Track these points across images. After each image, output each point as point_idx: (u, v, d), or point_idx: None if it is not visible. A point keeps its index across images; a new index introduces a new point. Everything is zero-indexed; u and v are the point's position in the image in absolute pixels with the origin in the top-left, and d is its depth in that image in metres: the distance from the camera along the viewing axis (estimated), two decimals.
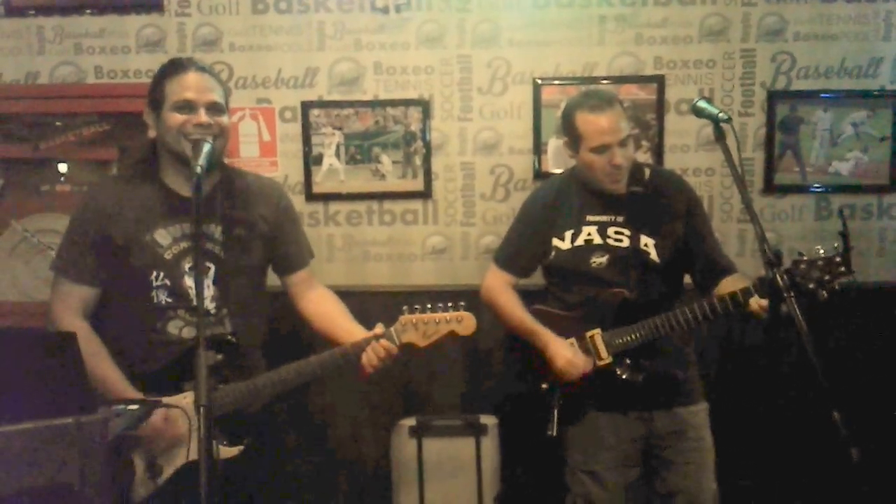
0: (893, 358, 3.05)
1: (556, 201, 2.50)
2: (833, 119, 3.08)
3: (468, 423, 3.03)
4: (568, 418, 2.41)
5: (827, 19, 3.05)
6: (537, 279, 2.62)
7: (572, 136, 2.40)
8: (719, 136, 2.10)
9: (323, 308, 2.31)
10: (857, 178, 3.11)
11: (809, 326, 1.80)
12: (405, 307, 2.13)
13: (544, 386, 2.42)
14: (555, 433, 2.35)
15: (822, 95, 3.07)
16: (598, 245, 2.40)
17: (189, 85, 2.04)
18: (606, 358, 2.35)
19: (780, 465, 3.02)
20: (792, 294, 1.87)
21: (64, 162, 3.06)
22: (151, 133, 2.11)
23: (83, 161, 3.05)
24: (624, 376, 2.34)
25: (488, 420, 3.05)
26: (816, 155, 3.10)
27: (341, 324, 2.24)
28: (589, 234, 2.42)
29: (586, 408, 2.43)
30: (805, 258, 2.08)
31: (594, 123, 2.31)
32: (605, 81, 3.06)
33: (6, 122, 3.04)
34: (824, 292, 2.04)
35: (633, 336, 2.33)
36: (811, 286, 2.04)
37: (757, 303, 2.14)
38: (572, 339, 2.40)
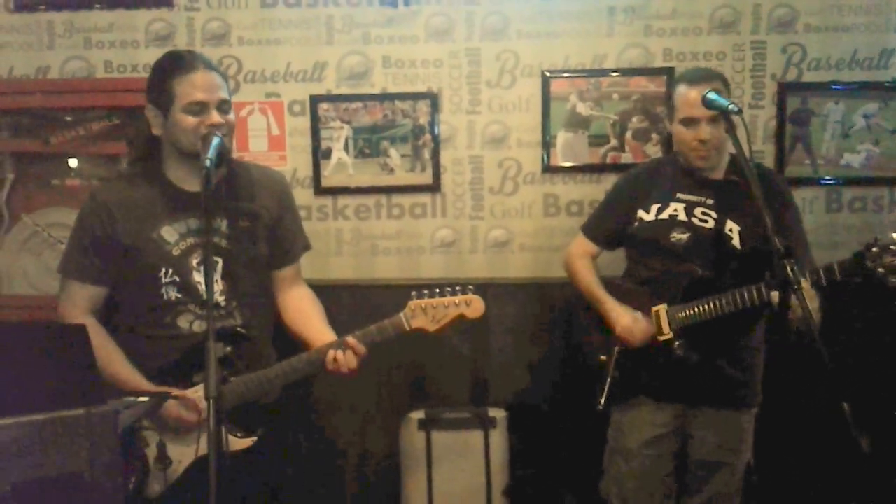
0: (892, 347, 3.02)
1: (649, 177, 2.53)
2: (844, 111, 3.05)
3: (477, 416, 3.03)
4: (616, 397, 2.43)
5: (838, 10, 3.02)
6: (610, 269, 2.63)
7: (670, 105, 2.47)
8: (730, 128, 2.09)
9: (302, 306, 2.30)
10: (868, 171, 3.08)
11: (873, 314, 1.76)
12: (413, 293, 2.14)
13: (602, 357, 2.45)
14: (602, 405, 2.40)
15: (834, 87, 3.04)
16: (682, 222, 2.40)
17: (199, 85, 2.00)
18: (668, 333, 2.35)
19: (790, 460, 3.01)
20: (799, 286, 1.86)
21: (74, 156, 3.08)
22: (156, 131, 2.07)
23: (93, 155, 3.07)
24: (679, 353, 2.34)
25: (497, 413, 3.05)
26: (827, 147, 3.08)
27: (316, 326, 2.23)
28: (675, 210, 2.42)
29: (636, 390, 2.44)
30: (878, 242, 2.05)
31: (686, 95, 2.34)
32: (614, 74, 3.04)
33: (16, 117, 3.06)
34: (894, 279, 2.02)
35: (696, 311, 2.31)
36: (881, 271, 2.02)
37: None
38: (638, 314, 2.42)
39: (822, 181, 3.10)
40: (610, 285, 2.53)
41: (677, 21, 3.04)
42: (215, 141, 1.92)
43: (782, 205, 2.41)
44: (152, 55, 3.00)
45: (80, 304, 2.11)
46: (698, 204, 2.41)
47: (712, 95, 2.16)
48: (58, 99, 3.03)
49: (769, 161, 3.07)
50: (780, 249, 1.89)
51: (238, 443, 2.03)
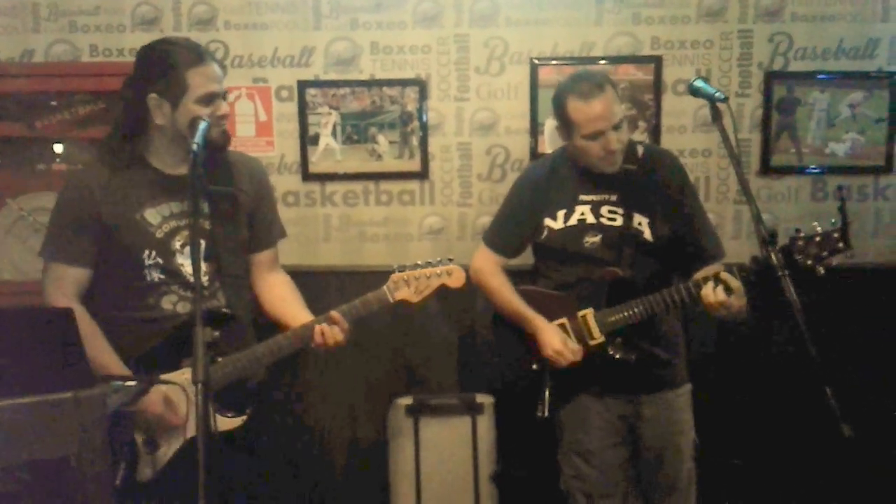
0: (889, 338, 3.07)
1: (547, 181, 2.48)
2: (830, 100, 3.08)
3: (464, 402, 3.04)
4: (558, 400, 2.41)
5: (825, 0, 3.04)
6: (525, 259, 2.62)
7: (564, 122, 2.36)
8: (716, 116, 2.11)
9: (279, 291, 2.33)
10: (853, 160, 3.11)
11: (805, 305, 1.81)
12: (395, 266, 2.17)
13: (534, 367, 2.43)
14: (546, 414, 2.35)
15: (820, 76, 3.06)
16: (591, 224, 2.39)
17: (212, 77, 2.06)
18: (599, 337, 2.35)
19: (772, 443, 3.05)
20: (787, 273, 1.88)
21: (59, 141, 3.05)
22: (160, 120, 2.06)
23: (79, 140, 3.04)
24: (617, 356, 2.34)
25: (484, 399, 3.06)
26: (813, 136, 3.10)
27: (293, 310, 2.25)
28: (582, 214, 2.41)
29: (576, 389, 2.44)
30: (802, 234, 2.08)
31: (586, 111, 2.27)
32: (602, 62, 3.05)
33: (1, 101, 3.02)
34: (821, 268, 2.04)
35: (626, 314, 2.32)
36: (809, 262, 2.05)
37: (711, 295, 2.13)
38: (563, 320, 2.40)
39: (808, 170, 3.12)
40: (528, 294, 2.47)
41: (665, 9, 3.04)
42: (202, 126, 1.94)
43: (681, 187, 2.43)
44: (138, 39, 3.00)
45: (66, 288, 2.10)
46: (602, 203, 2.40)
47: (699, 83, 2.17)
48: (43, 83, 3.00)
49: (755, 150, 3.10)
50: (764, 237, 1.91)
51: (227, 423, 2.04)
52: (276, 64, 3.07)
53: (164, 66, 2.04)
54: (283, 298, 2.30)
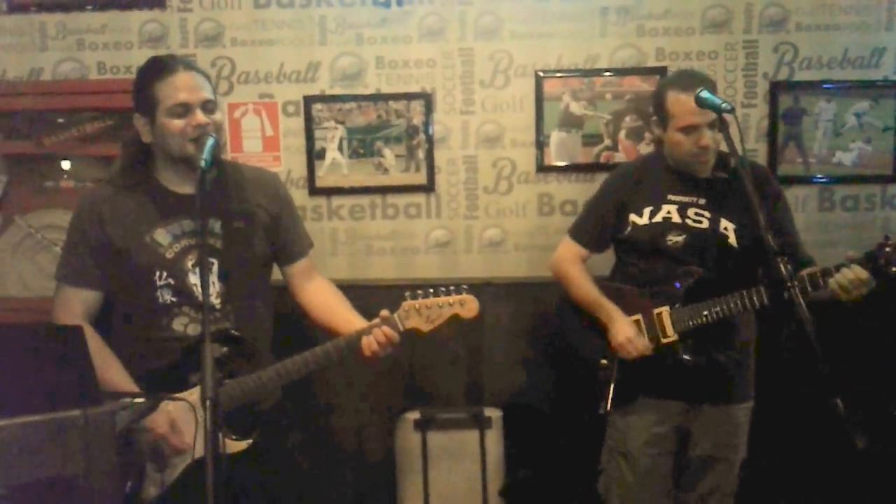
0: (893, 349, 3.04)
1: (637, 178, 2.50)
2: (836, 109, 3.07)
3: (472, 416, 3.03)
4: (616, 398, 2.40)
5: (829, 10, 3.04)
6: (601, 270, 2.62)
7: (661, 114, 2.39)
8: (722, 127, 2.10)
9: (323, 298, 2.29)
10: (860, 169, 3.10)
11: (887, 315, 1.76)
12: (407, 293, 2.12)
13: (603, 361, 2.43)
14: (608, 409, 2.36)
15: (825, 86, 3.06)
16: (676, 224, 2.39)
17: (181, 86, 1.99)
18: (672, 336, 2.34)
19: (783, 456, 3.02)
20: (795, 283, 1.87)
21: (67, 158, 3.07)
22: (147, 139, 2.05)
23: (86, 157, 3.06)
24: (686, 356, 2.33)
25: (492, 413, 3.05)
26: (819, 146, 3.10)
27: (342, 314, 2.22)
28: (668, 213, 2.41)
29: (636, 390, 2.43)
30: (890, 241, 2.04)
31: (685, 103, 2.28)
32: (607, 73, 3.05)
33: (9, 119, 3.05)
34: None
35: (702, 315, 2.31)
36: (894, 269, 2.01)
37: (837, 282, 2.07)
38: (638, 316, 2.40)
39: (815, 179, 3.11)
40: (605, 288, 2.50)
41: (670, 21, 3.05)
42: (210, 142, 1.92)
43: (774, 200, 2.42)
44: (145, 56, 2.97)
45: (75, 309, 2.09)
46: (690, 205, 2.41)
47: (705, 94, 2.17)
48: (51, 101, 3.02)
49: (761, 160, 3.09)
50: (773, 248, 1.90)
51: (234, 445, 2.03)
52: (283, 79, 3.09)
53: (139, 83, 2.04)
54: (329, 305, 2.27)
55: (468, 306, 2.13)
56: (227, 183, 2.14)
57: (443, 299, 2.11)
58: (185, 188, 2.08)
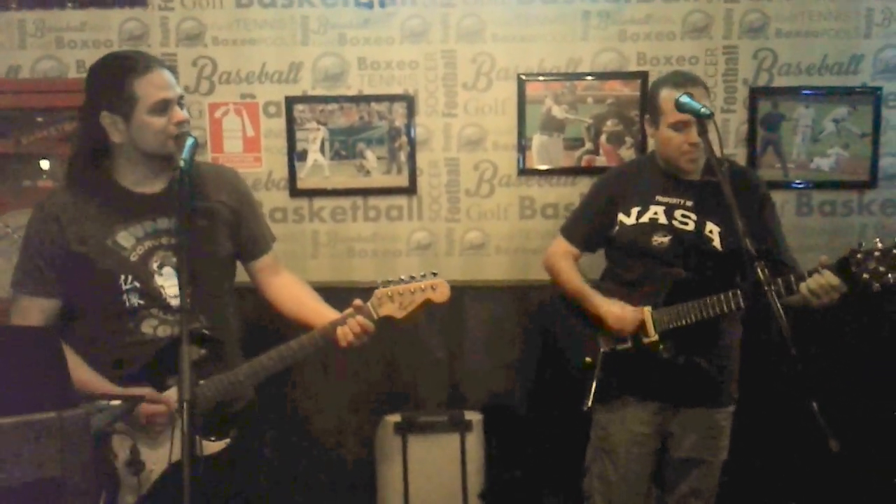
0: (870, 354, 3.07)
1: (628, 179, 2.53)
2: (814, 115, 3.10)
3: (453, 420, 3.03)
4: (601, 397, 2.43)
5: (808, 16, 3.07)
6: (593, 273, 2.64)
7: (654, 111, 2.42)
8: (702, 131, 2.12)
9: (291, 292, 2.27)
10: (838, 175, 3.13)
11: (863, 320, 1.76)
12: (379, 281, 2.12)
13: (588, 360, 2.46)
14: (590, 405, 2.40)
15: (804, 92, 3.09)
16: (662, 225, 2.41)
17: (161, 84, 1.96)
18: (653, 336, 2.36)
19: (763, 458, 3.05)
20: (772, 287, 1.89)
21: (45, 157, 3.04)
22: (117, 138, 1.99)
23: (65, 156, 3.02)
24: (665, 356, 2.36)
25: (473, 416, 3.05)
26: (798, 151, 3.13)
27: (312, 306, 2.20)
28: (655, 213, 2.43)
29: (620, 389, 2.46)
30: (862, 248, 2.04)
31: (677, 100, 2.29)
32: (588, 77, 3.07)
33: None
34: (878, 284, 2.00)
35: (682, 314, 2.33)
36: (865, 276, 2.01)
37: (808, 287, 2.08)
38: (628, 307, 2.41)
39: (793, 185, 3.14)
40: (595, 289, 2.51)
41: (651, 26, 3.07)
42: (190, 142, 1.91)
43: (761, 204, 2.44)
44: None
45: (32, 319, 2.03)
46: (678, 206, 2.43)
47: (684, 99, 2.19)
48: (29, 99, 2.99)
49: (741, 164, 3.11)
50: (751, 253, 1.92)
51: (211, 446, 2.01)
52: (264, 80, 3.08)
53: (110, 80, 1.97)
54: (298, 298, 2.24)
55: (440, 290, 2.13)
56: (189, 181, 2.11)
57: (414, 285, 2.12)
58: (146, 188, 2.04)
